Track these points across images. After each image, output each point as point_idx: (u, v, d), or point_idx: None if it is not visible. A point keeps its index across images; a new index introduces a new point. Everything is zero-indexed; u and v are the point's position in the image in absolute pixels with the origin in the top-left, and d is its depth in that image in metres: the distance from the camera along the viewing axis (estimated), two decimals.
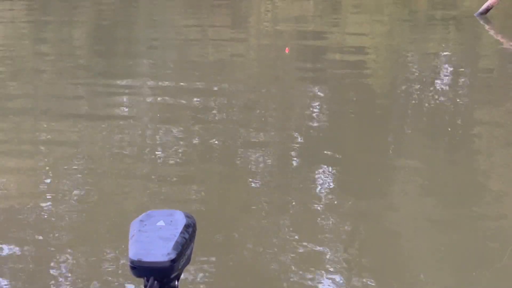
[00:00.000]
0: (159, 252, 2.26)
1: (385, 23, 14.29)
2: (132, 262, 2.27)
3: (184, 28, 13.96)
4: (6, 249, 5.07)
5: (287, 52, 10.52)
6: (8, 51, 11.88)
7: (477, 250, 5.10)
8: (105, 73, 10.48)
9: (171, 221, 2.38)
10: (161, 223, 2.37)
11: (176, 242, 2.30)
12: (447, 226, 5.42)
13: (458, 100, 8.93)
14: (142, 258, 2.25)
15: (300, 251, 5.03)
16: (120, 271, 4.71)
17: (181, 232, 2.34)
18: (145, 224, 2.36)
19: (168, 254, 2.27)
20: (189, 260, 2.37)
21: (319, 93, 9.20)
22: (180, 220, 2.39)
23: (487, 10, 14.18)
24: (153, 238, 2.31)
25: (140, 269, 2.27)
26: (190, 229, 2.38)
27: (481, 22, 13.83)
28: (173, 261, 2.27)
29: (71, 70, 10.52)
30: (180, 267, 2.31)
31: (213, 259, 4.92)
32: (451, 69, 10.58)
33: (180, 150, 7.06)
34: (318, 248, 5.06)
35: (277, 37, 13.14)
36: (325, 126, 7.95)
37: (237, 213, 5.75)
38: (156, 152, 7.01)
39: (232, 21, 15.07)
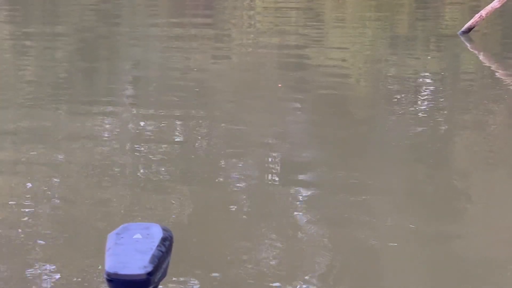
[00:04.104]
0: (136, 265, 2.26)
1: (366, 41, 14.36)
2: (109, 275, 2.26)
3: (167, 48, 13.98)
4: None
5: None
6: None
7: (453, 267, 5.13)
8: (85, 91, 10.48)
9: (148, 234, 2.38)
10: (137, 236, 2.36)
11: (153, 255, 2.30)
12: (425, 245, 5.45)
13: (438, 120, 8.97)
14: (118, 271, 2.25)
15: (281, 266, 5.05)
16: (97, 284, 4.70)
17: (158, 245, 2.34)
18: (122, 237, 2.36)
19: (145, 267, 2.27)
20: (166, 273, 2.37)
21: (297, 116, 9.22)
22: (157, 233, 2.39)
23: (470, 29, 14.28)
24: (130, 251, 2.31)
25: (116, 282, 2.27)
26: (167, 242, 2.38)
27: (464, 41, 13.93)
28: (149, 274, 2.27)
29: (52, 89, 10.52)
30: (156, 280, 2.31)
31: (190, 273, 4.92)
32: (432, 88, 10.64)
33: (159, 167, 7.06)
34: (298, 263, 5.08)
35: (259, 53, 13.17)
36: (305, 146, 7.97)
37: (216, 229, 5.75)
38: (136, 168, 7.02)
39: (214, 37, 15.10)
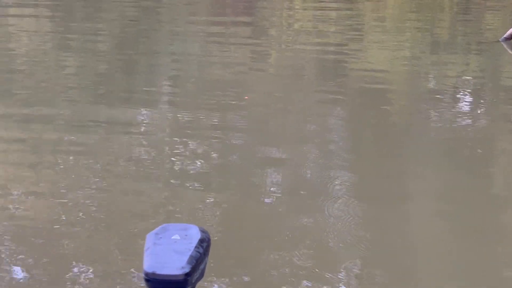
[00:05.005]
0: (174, 265, 2.29)
1: (406, 44, 14.26)
2: (147, 274, 2.29)
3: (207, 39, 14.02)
4: (15, 255, 5.12)
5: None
6: (31, 63, 11.94)
7: (491, 272, 5.11)
8: (125, 83, 10.56)
9: (186, 235, 2.41)
10: (176, 236, 2.39)
11: (191, 256, 2.33)
12: (461, 244, 5.44)
13: (478, 125, 8.90)
14: (156, 271, 2.28)
15: (316, 270, 5.05)
16: (134, 285, 4.73)
17: (196, 247, 2.37)
18: (160, 237, 2.39)
19: (183, 267, 2.29)
20: (203, 274, 2.40)
21: (336, 113, 9.22)
22: (195, 234, 2.41)
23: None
24: (168, 251, 2.33)
25: (154, 281, 2.29)
26: (204, 244, 2.40)
27: (506, 47, 13.78)
28: (187, 274, 2.29)
29: (93, 80, 10.61)
30: (193, 281, 2.34)
31: (227, 275, 4.93)
32: (472, 92, 10.55)
33: (197, 166, 7.09)
34: (333, 266, 5.07)
35: (297, 56, 13.15)
36: (342, 146, 7.97)
37: (253, 230, 5.76)
38: (173, 167, 7.05)
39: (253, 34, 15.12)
